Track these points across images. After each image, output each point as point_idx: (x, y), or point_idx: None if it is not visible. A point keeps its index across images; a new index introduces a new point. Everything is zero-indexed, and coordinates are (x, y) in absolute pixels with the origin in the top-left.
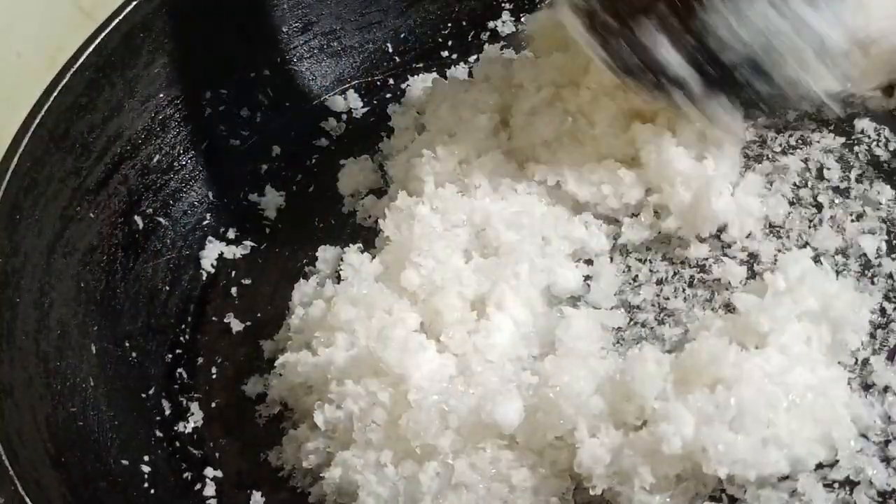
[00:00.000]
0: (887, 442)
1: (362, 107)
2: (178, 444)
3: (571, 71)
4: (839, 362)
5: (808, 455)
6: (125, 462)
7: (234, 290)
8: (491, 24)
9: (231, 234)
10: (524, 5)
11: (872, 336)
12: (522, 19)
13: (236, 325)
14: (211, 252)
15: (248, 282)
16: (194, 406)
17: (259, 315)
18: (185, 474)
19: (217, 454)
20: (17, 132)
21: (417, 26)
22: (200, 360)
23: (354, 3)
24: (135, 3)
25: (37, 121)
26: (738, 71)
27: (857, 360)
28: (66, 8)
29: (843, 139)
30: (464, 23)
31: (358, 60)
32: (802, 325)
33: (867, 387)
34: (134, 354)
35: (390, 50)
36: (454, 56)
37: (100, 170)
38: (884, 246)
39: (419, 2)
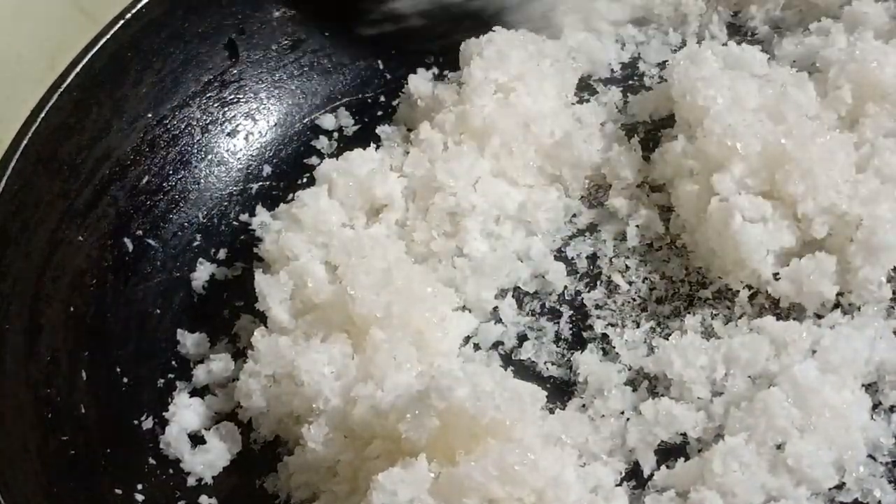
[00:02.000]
0: (895, 463)
1: (353, 125)
2: (171, 471)
3: None
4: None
5: (822, 478)
6: (118, 491)
7: (226, 312)
8: None
9: (222, 255)
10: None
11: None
12: None
13: (229, 349)
14: (202, 274)
15: (240, 304)
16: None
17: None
18: (180, 503)
19: (212, 482)
20: (3, 155)
21: (407, 42)
22: (193, 384)
23: (344, 20)
24: (121, 22)
25: (24, 143)
26: None
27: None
28: (67, 9)
29: None
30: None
31: (348, 78)
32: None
33: (874, 406)
34: (125, 380)
35: (381, 67)
36: (445, 72)
37: (88, 192)
38: None
39: (409, 18)
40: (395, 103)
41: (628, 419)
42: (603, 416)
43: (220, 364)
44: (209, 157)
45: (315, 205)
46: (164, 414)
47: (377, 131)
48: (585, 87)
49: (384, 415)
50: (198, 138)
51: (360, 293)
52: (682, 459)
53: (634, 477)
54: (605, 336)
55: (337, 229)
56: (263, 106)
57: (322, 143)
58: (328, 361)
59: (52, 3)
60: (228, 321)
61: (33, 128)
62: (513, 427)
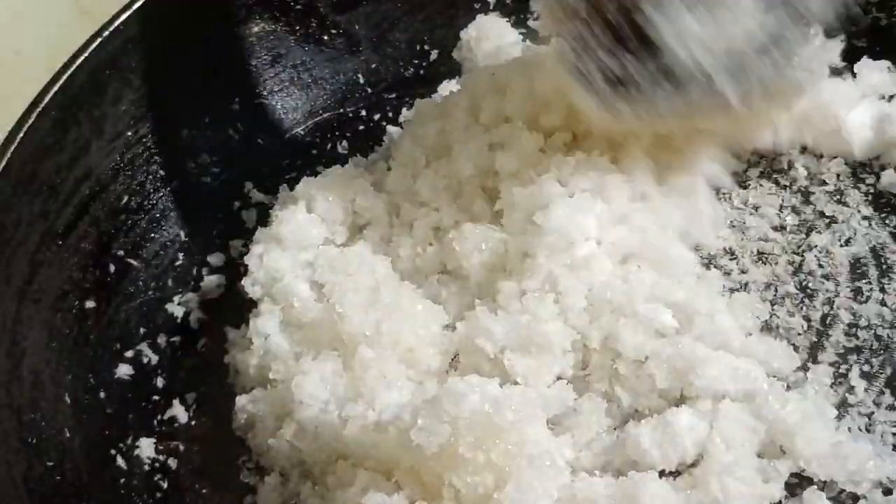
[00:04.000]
0: None
1: (334, 140)
2: (159, 494)
3: None
4: None
5: None
6: None
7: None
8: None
9: (205, 273)
10: None
11: None
12: None
13: (213, 370)
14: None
15: (223, 320)
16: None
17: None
18: None
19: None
20: None
21: (388, 56)
22: (178, 406)
23: (324, 35)
24: (99, 39)
25: (2, 164)
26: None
27: None
28: (66, 6)
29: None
30: (433, 53)
31: (329, 92)
32: None
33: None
34: (109, 403)
35: (362, 81)
36: (426, 86)
37: (69, 212)
38: None
39: (389, 32)
40: (376, 118)
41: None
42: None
43: None
44: (190, 174)
45: (295, 222)
46: (148, 437)
47: (359, 146)
48: None
49: (383, 429)
50: (178, 155)
51: (348, 311)
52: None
53: None
54: None
55: (321, 247)
56: (243, 122)
57: (302, 158)
58: (320, 380)
59: (52, 1)
60: (213, 341)
61: (12, 148)
62: (524, 429)
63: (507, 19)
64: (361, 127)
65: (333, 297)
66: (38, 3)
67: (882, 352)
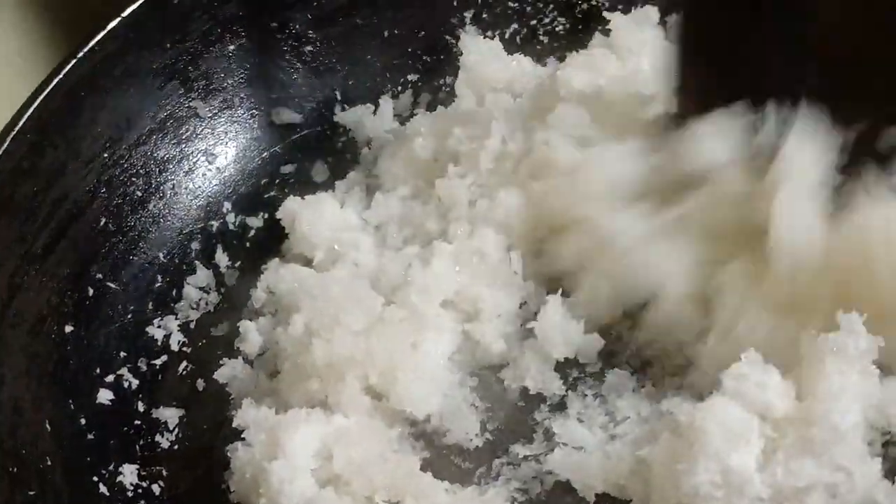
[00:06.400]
0: None
1: (313, 158)
2: None
3: None
4: None
5: None
6: None
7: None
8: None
9: (184, 295)
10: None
11: None
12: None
13: (195, 394)
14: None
15: (204, 343)
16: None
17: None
18: None
19: None
20: None
21: (365, 73)
22: (159, 432)
23: (300, 52)
24: (74, 60)
25: None
26: None
27: None
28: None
29: None
30: (410, 70)
31: (307, 110)
32: None
33: None
34: (90, 429)
35: (339, 97)
36: (406, 103)
37: (46, 235)
38: None
39: (366, 49)
40: (350, 134)
41: None
42: None
43: None
44: (168, 195)
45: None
46: (130, 464)
47: (338, 163)
48: None
49: None
50: (155, 177)
51: (335, 338)
52: None
53: None
54: None
55: (304, 274)
56: (221, 141)
57: (280, 177)
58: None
59: (52, 3)
60: (194, 364)
61: None
62: None
63: (485, 35)
64: (340, 144)
65: (322, 325)
66: (39, 3)
67: None
